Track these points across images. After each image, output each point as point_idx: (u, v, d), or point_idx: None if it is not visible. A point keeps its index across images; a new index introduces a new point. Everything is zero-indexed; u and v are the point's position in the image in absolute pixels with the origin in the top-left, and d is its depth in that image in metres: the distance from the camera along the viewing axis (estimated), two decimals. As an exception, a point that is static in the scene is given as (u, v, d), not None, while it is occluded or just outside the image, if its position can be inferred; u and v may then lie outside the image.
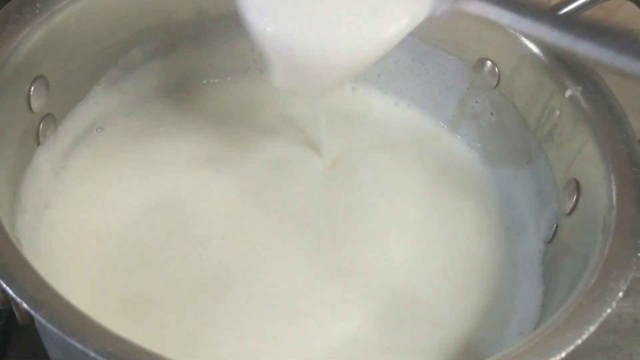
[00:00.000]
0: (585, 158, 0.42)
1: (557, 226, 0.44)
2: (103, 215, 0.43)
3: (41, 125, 0.43)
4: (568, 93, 0.44)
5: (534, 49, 0.46)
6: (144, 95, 0.51)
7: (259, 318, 0.40)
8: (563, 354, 0.29)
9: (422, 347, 0.41)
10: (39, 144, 0.43)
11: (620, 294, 0.32)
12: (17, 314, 0.35)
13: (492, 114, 0.51)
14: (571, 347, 0.29)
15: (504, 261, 0.47)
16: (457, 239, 0.48)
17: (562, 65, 0.45)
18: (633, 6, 0.47)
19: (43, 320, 0.26)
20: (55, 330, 0.26)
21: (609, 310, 0.31)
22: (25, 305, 0.26)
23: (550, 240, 0.45)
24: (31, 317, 0.35)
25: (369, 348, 0.40)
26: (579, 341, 0.30)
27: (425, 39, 0.52)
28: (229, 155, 0.49)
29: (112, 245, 0.42)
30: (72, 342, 0.25)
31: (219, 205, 0.45)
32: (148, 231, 0.43)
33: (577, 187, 0.42)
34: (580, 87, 0.43)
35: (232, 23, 0.51)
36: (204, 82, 0.53)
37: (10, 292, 0.27)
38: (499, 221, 0.49)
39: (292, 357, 0.39)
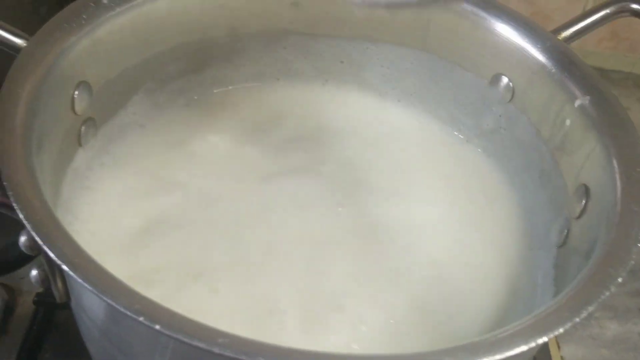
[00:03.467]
0: (594, 163, 0.43)
1: (568, 231, 0.46)
2: (135, 206, 0.47)
3: (83, 127, 0.47)
4: (577, 103, 0.46)
5: (546, 62, 0.49)
6: (178, 105, 0.55)
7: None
8: (561, 330, 0.31)
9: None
10: (80, 145, 0.47)
11: (620, 280, 0.33)
12: (55, 292, 0.38)
13: (506, 127, 0.53)
14: (568, 324, 0.31)
15: (518, 267, 0.49)
16: (474, 246, 0.50)
17: (571, 76, 0.47)
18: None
19: (79, 280, 0.29)
20: (89, 287, 0.28)
21: (607, 293, 0.32)
22: (64, 267, 0.29)
23: (562, 245, 0.46)
24: (68, 295, 0.38)
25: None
26: (577, 319, 0.31)
27: (443, 56, 0.55)
28: (251, 154, 0.53)
29: (142, 236, 0.46)
30: (105, 298, 0.28)
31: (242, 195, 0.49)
32: (175, 219, 0.47)
33: (586, 192, 0.44)
34: (588, 97, 0.45)
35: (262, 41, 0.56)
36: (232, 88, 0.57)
37: (52, 255, 0.29)
38: (514, 228, 0.51)
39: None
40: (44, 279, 0.38)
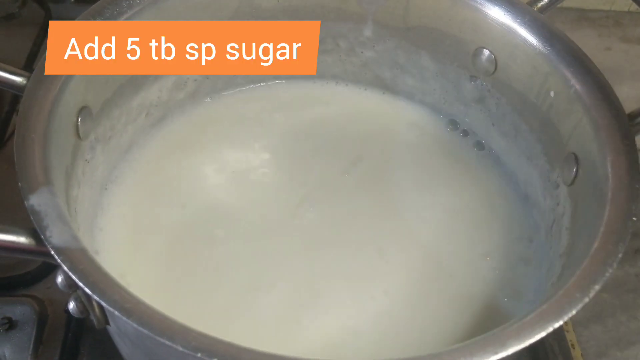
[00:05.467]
0: (581, 134, 0.46)
1: (562, 197, 0.49)
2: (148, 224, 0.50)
3: (88, 148, 0.48)
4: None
5: (526, 35, 0.50)
6: (174, 113, 0.56)
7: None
8: (574, 312, 0.34)
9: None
10: (87, 161, 0.48)
11: (620, 255, 0.36)
12: (94, 320, 0.41)
13: (492, 98, 0.56)
14: (580, 305, 0.34)
15: (518, 235, 0.52)
16: (471, 216, 0.53)
17: (552, 49, 0.49)
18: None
19: (135, 324, 0.31)
20: (145, 331, 0.31)
21: (610, 271, 0.36)
22: (117, 313, 0.31)
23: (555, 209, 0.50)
24: (106, 321, 0.41)
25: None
26: (587, 299, 0.34)
27: (425, 34, 0.56)
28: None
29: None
30: (162, 340, 0.30)
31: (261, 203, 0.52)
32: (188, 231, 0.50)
33: (576, 160, 0.46)
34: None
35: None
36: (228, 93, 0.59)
37: (104, 303, 0.31)
38: (510, 199, 0.54)
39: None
40: (83, 310, 0.40)
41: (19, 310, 0.53)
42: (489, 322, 0.46)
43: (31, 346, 0.51)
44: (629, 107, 0.46)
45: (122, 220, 0.50)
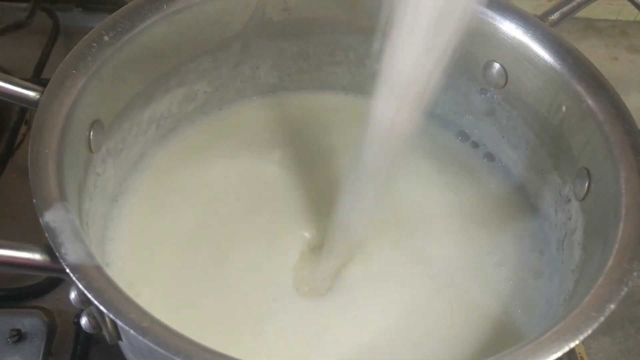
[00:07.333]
0: (594, 149, 0.46)
1: (573, 212, 0.48)
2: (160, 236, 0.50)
3: (99, 162, 0.48)
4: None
5: (537, 49, 0.50)
6: (184, 124, 0.56)
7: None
8: (590, 331, 0.34)
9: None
10: (98, 174, 0.48)
11: (635, 274, 0.36)
12: (107, 336, 0.40)
13: (503, 111, 0.56)
14: (596, 325, 0.34)
15: (530, 247, 0.52)
16: (483, 226, 0.53)
17: (564, 64, 0.49)
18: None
19: (151, 344, 0.31)
20: (161, 351, 0.31)
21: (626, 289, 0.36)
22: (133, 332, 0.31)
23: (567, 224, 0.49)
24: (119, 337, 0.41)
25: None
26: (602, 318, 0.34)
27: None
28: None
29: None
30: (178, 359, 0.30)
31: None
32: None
33: (588, 176, 0.46)
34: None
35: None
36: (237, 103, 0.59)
37: (120, 322, 0.31)
38: (520, 211, 0.54)
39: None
40: (95, 326, 0.40)
41: (28, 321, 0.52)
42: (502, 336, 0.46)
43: (40, 358, 0.51)
44: (636, 117, 0.46)
45: (133, 231, 0.50)
